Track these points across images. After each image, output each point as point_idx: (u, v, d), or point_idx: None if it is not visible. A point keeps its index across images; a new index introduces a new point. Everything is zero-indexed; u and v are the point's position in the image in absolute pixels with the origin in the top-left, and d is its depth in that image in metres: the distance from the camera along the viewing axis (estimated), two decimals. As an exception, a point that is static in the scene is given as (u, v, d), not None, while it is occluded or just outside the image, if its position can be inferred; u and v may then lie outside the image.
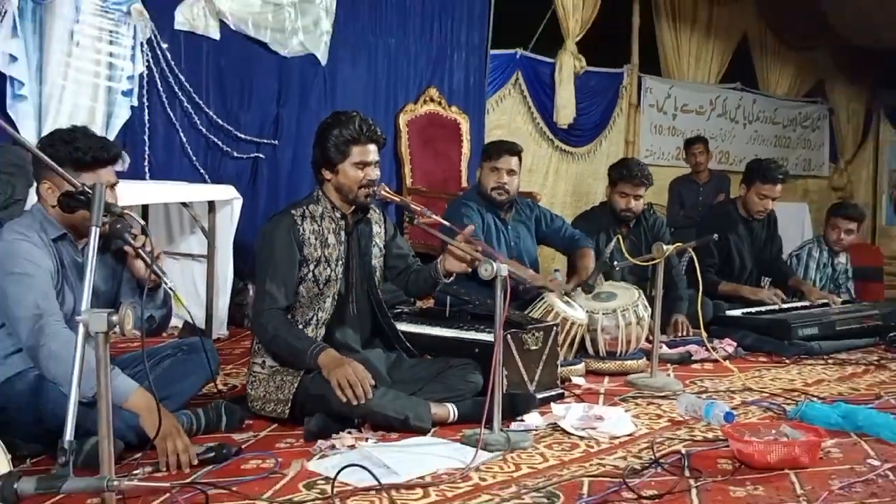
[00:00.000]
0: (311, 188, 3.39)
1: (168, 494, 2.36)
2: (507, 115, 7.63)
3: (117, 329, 1.85)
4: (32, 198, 3.75)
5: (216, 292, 4.73)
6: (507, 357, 3.39)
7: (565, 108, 7.85)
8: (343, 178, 3.22)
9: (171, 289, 2.70)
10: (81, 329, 1.81)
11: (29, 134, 4.47)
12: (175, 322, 4.18)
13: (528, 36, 7.77)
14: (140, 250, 2.69)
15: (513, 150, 4.55)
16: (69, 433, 1.76)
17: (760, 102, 10.17)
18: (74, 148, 2.69)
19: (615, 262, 4.43)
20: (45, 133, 4.57)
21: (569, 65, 7.77)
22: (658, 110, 9.03)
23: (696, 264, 4.10)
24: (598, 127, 8.42)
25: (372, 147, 3.23)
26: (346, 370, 2.99)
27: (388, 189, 3.36)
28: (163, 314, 2.97)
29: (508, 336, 3.41)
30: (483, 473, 2.67)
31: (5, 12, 4.38)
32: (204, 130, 5.41)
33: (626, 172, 4.95)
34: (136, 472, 2.57)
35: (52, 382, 2.58)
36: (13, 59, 4.44)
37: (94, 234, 2.02)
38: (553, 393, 3.62)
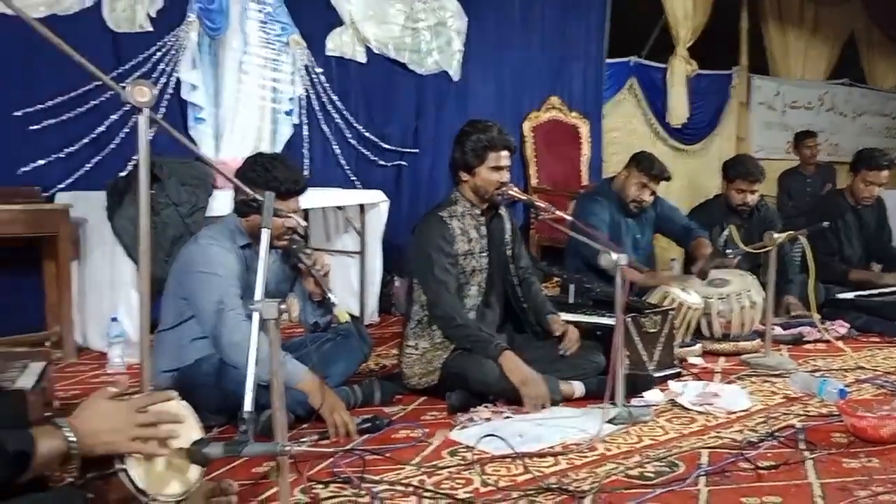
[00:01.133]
0: (448, 189, 3.40)
1: (332, 459, 2.45)
2: (624, 117, 7.49)
3: (285, 316, 1.92)
4: (211, 206, 3.95)
5: (368, 284, 4.85)
6: (628, 339, 3.32)
7: (677, 110, 7.69)
8: (479, 179, 3.22)
9: (334, 303, 2.73)
10: (256, 315, 1.90)
11: (208, 151, 4.70)
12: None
13: (641, 44, 7.60)
14: (312, 269, 2.78)
15: (664, 176, 4.37)
16: (248, 406, 1.85)
17: (869, 96, 9.60)
18: (273, 177, 2.77)
19: (728, 251, 4.29)
20: (222, 149, 4.81)
21: (680, 69, 7.61)
22: (768, 108, 8.65)
23: (808, 251, 3.92)
24: (709, 125, 8.17)
25: (505, 153, 3.21)
26: (541, 388, 2.98)
27: (515, 189, 3.33)
28: (326, 321, 3.04)
29: (628, 320, 3.35)
30: (608, 444, 2.65)
31: (185, 48, 4.62)
32: (354, 143, 5.53)
33: (743, 171, 4.74)
34: (304, 439, 2.66)
35: (233, 367, 2.67)
36: (193, 87, 4.68)
37: (265, 235, 2.09)
38: (671, 371, 3.54)
